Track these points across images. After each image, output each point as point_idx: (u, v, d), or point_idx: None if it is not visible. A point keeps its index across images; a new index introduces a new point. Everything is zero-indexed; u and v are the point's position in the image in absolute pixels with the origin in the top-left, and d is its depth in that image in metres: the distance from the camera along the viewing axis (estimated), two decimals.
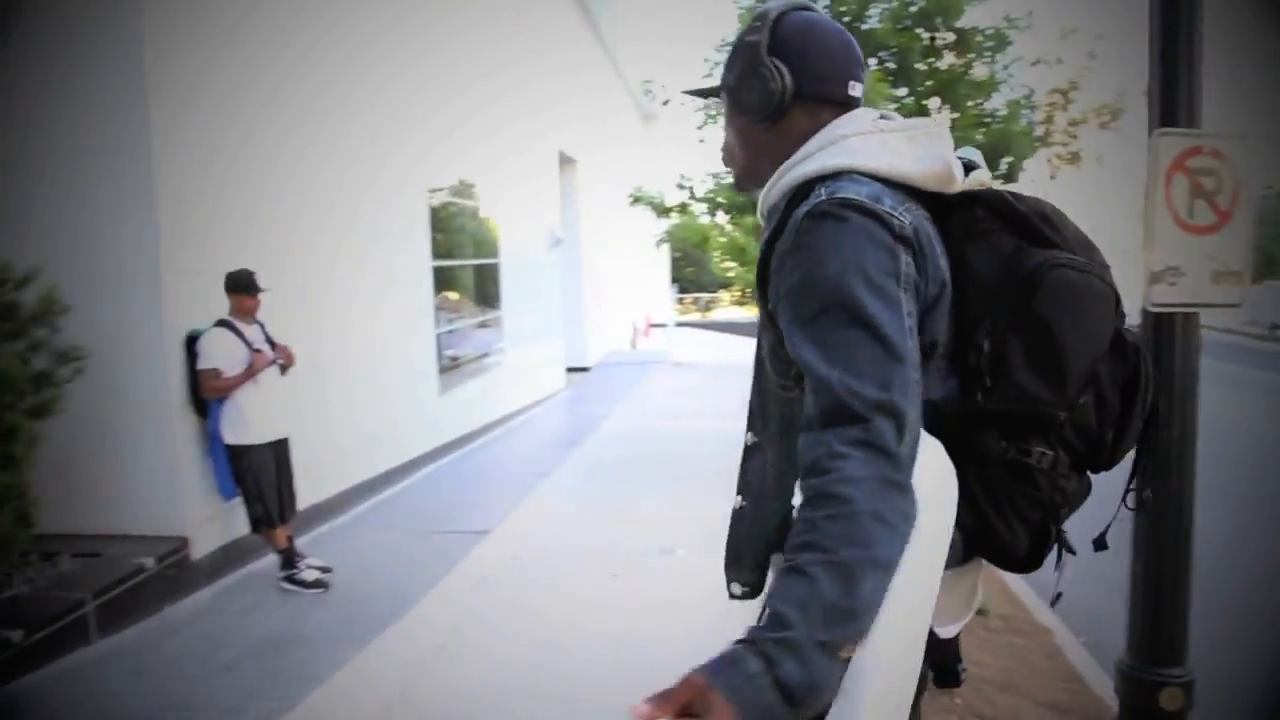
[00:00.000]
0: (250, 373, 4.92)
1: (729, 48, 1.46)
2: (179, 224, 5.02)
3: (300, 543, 5.71)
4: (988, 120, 9.24)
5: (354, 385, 6.98)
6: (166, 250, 4.93)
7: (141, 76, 4.77)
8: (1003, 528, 1.30)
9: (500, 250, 10.98)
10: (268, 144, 5.83)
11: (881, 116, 1.42)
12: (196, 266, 5.14)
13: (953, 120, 8.83)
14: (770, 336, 1.37)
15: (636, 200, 11.23)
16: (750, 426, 1.44)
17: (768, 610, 1.04)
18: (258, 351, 5.01)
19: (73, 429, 4.80)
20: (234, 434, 5.02)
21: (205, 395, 4.94)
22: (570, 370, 14.46)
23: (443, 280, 9.14)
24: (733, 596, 1.42)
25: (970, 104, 9.07)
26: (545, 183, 12.96)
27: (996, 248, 1.32)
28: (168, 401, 4.98)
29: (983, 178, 1.40)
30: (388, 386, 7.56)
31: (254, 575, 5.34)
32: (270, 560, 5.33)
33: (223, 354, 4.92)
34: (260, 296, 5.04)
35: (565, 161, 14.38)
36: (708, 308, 35.65)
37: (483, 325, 10.67)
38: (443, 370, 8.99)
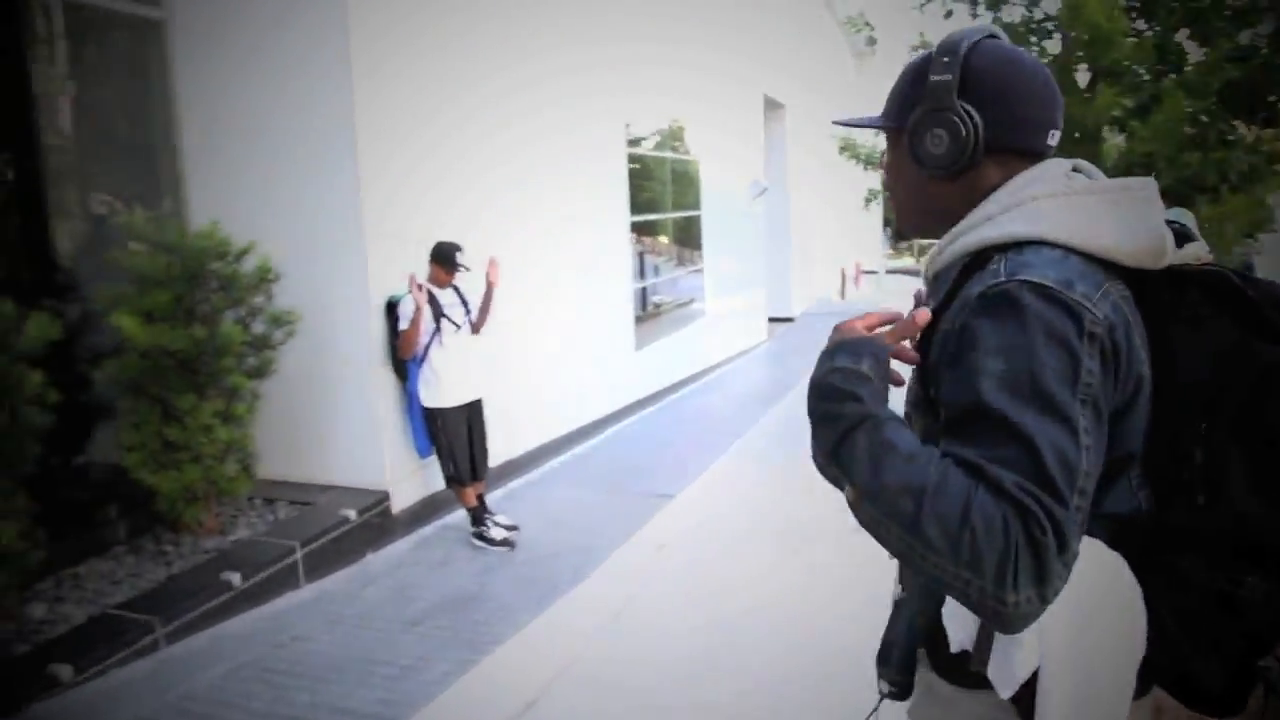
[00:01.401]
0: (414, 329, 5.00)
1: (906, 77, 1.30)
2: (380, 190, 5.23)
3: (494, 497, 5.98)
4: (1246, 56, 7.87)
5: (550, 343, 7.14)
6: (370, 215, 5.16)
7: (345, 47, 4.98)
8: (1197, 661, 1.13)
9: (702, 200, 10.89)
10: (467, 106, 5.98)
11: (1074, 169, 1.26)
12: (398, 230, 5.36)
13: (1203, 56, 7.69)
14: (923, 422, 1.24)
15: (844, 150, 10.77)
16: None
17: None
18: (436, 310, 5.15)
19: (287, 388, 5.18)
20: (429, 396, 5.22)
21: (402, 355, 5.16)
22: (773, 320, 14.30)
23: (643, 234, 9.19)
24: (880, 694, 1.29)
25: (1226, 39, 7.79)
26: (749, 129, 12.67)
27: (1213, 338, 1.14)
28: (371, 362, 5.25)
29: (1199, 251, 1.21)
30: (584, 344, 7.70)
31: (447, 528, 5.59)
32: (463, 514, 5.56)
33: (422, 315, 5.08)
34: (457, 275, 5.20)
35: (771, 106, 13.98)
36: (922, 253, 34.07)
37: (683, 275, 10.69)
38: (642, 320, 9.06)
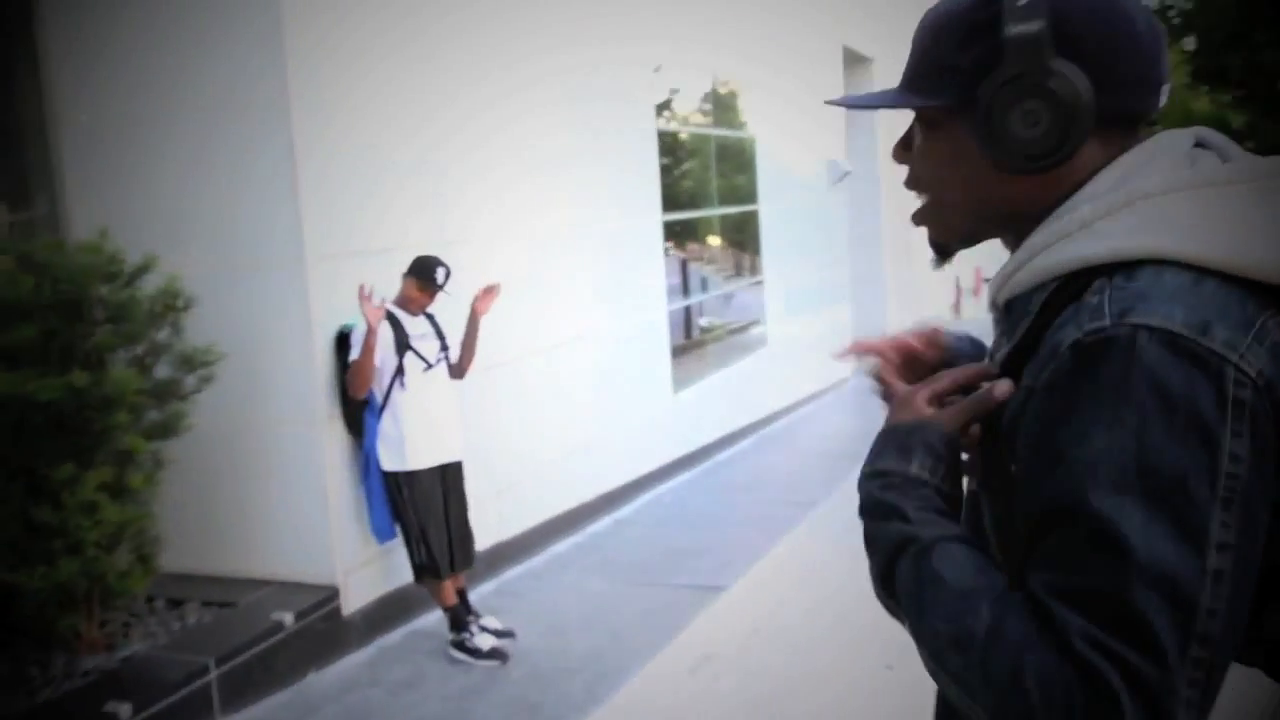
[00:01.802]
0: (368, 345, 5.05)
1: (946, 31, 1.22)
2: (326, 190, 5.30)
3: (480, 593, 5.97)
4: None
5: (557, 386, 7.17)
6: (313, 223, 5.23)
7: (277, 8, 5.07)
8: None
9: (761, 189, 10.94)
10: (442, 79, 6.06)
11: (1197, 144, 1.21)
12: (351, 243, 5.42)
13: None
14: (997, 508, 1.22)
15: None
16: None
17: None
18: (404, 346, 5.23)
19: (203, 451, 5.22)
20: (391, 457, 5.25)
21: (351, 394, 5.23)
22: None
23: (683, 237, 9.21)
24: None
25: None
26: (825, 92, 12.69)
27: None
28: (316, 415, 5.30)
29: None
30: (602, 386, 7.73)
31: (417, 636, 5.58)
32: (438, 618, 5.55)
33: (379, 347, 5.13)
34: (436, 295, 5.28)
35: (854, 61, 14.01)
36: None
37: (738, 289, 10.68)
38: (683, 351, 9.08)
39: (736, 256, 11.20)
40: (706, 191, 10.07)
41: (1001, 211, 1.25)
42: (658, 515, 7.76)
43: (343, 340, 5.30)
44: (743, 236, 10.93)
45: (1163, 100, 1.21)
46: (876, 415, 1.30)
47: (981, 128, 1.19)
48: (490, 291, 5.44)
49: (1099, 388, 1.03)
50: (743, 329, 10.73)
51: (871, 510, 1.18)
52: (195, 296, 4.87)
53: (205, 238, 5.29)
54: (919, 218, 1.32)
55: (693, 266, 10.23)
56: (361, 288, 4.99)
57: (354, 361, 5.10)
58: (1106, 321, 1.05)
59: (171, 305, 4.78)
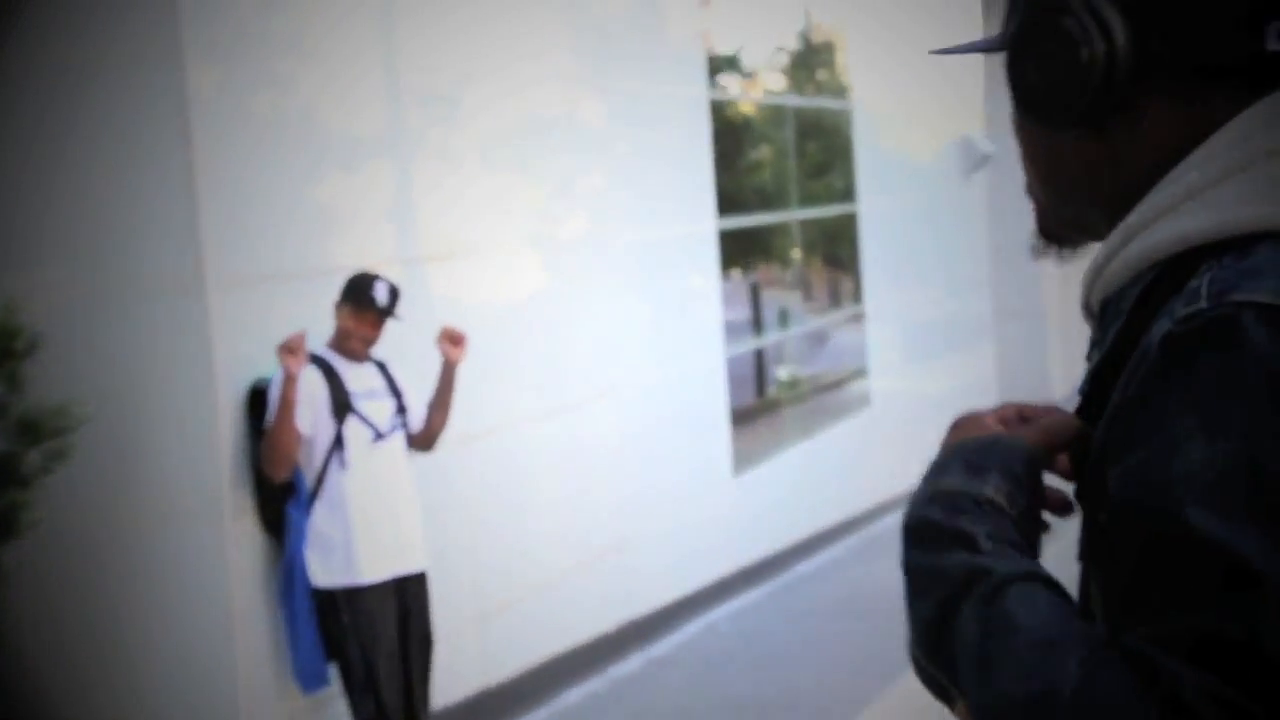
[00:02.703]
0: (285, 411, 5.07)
1: None
2: (233, 195, 5.33)
3: None
4: None
5: (564, 466, 7.17)
6: (214, 240, 5.24)
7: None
8: None
9: (860, 182, 10.94)
10: (399, 27, 6.11)
11: None
12: (268, 265, 5.47)
13: None
14: (1096, 552, 1.31)
15: None
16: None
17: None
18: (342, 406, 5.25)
19: (54, 557, 5.16)
20: (327, 567, 5.25)
21: (268, 473, 5.22)
22: None
23: (744, 249, 9.17)
24: None
25: None
26: (957, 38, 12.67)
27: None
28: (218, 509, 5.29)
29: None
30: (631, 465, 7.71)
31: None
32: None
33: (304, 406, 5.16)
34: (381, 326, 5.32)
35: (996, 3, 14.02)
36: None
37: (830, 325, 10.59)
38: (749, 415, 9.04)
39: (829, 279, 11.15)
40: (784, 187, 10.05)
41: (1078, 184, 1.38)
42: (710, 652, 7.72)
43: (258, 399, 5.32)
44: (837, 250, 10.88)
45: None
46: None
47: (1007, 80, 1.38)
48: (457, 343, 5.47)
49: (1195, 384, 1.12)
50: (837, 383, 10.72)
51: (925, 538, 1.23)
52: (42, 334, 4.85)
53: (60, 253, 5.29)
54: (1029, 188, 1.48)
55: (767, 294, 10.22)
56: (287, 344, 5.01)
57: (268, 428, 5.11)
58: (1203, 304, 1.14)
59: (6, 348, 4.77)
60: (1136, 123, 1.32)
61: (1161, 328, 1.18)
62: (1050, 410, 1.36)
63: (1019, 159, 1.47)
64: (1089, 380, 1.33)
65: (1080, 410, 1.33)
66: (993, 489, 1.22)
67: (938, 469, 1.29)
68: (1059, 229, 1.46)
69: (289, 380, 5.02)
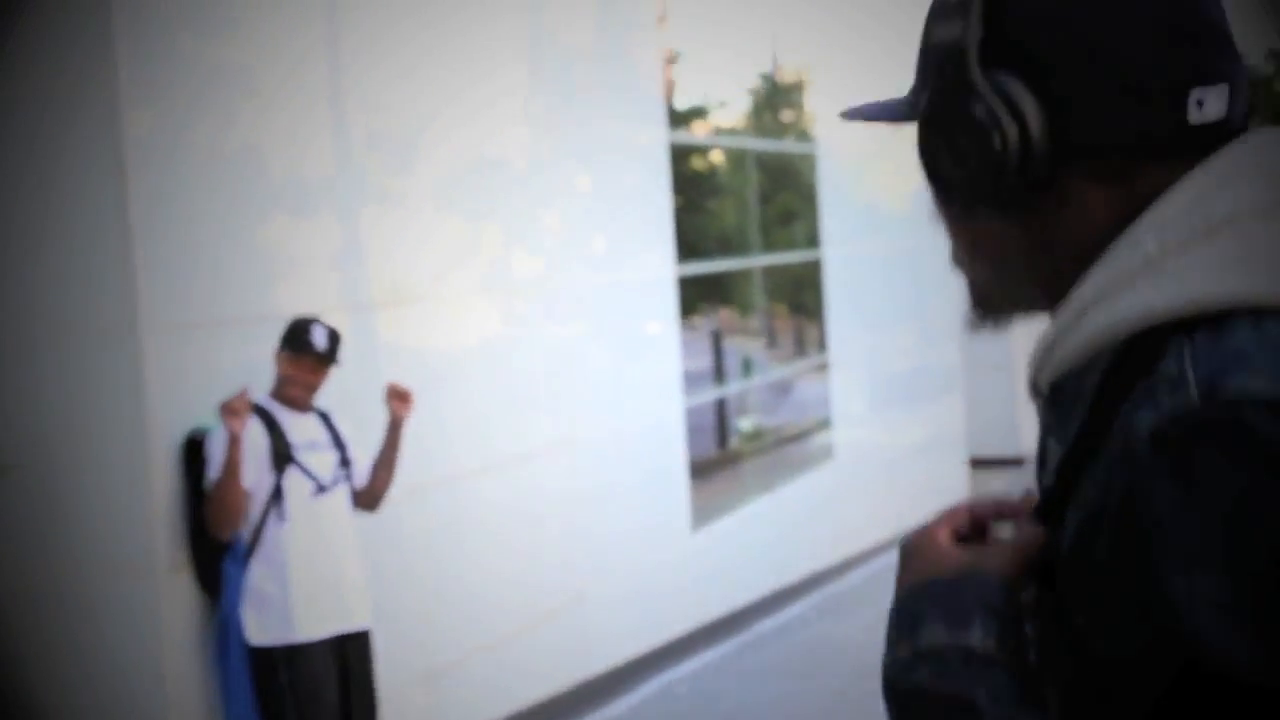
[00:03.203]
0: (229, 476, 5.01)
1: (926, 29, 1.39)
2: (172, 231, 5.27)
3: None
4: None
5: (515, 519, 7.14)
6: (149, 282, 5.19)
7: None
8: None
9: (825, 227, 10.99)
10: (349, 64, 6.09)
11: None
12: (209, 310, 5.43)
13: None
14: (1059, 679, 1.26)
15: None
16: None
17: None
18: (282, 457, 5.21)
19: None
20: (264, 624, 5.19)
21: (213, 534, 5.16)
22: (980, 465, 14.43)
23: (705, 295, 9.16)
24: None
25: None
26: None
27: None
28: (151, 564, 5.24)
29: None
30: (585, 519, 7.68)
31: None
32: None
33: (245, 457, 5.09)
34: (323, 373, 5.29)
35: None
36: None
37: (793, 375, 10.64)
38: (709, 468, 9.06)
39: (793, 326, 11.17)
40: (746, 232, 10.07)
41: (1014, 264, 1.35)
42: (668, 714, 7.68)
43: (193, 450, 5.27)
44: (802, 297, 10.91)
45: (1210, 108, 1.26)
46: None
47: (920, 162, 1.36)
48: (404, 400, 5.45)
49: (1206, 500, 1.06)
50: (799, 435, 10.73)
51: (918, 710, 1.19)
52: None
53: None
54: (953, 258, 1.46)
55: (729, 342, 10.25)
56: (237, 400, 4.96)
57: (213, 486, 5.06)
58: (1194, 398, 1.10)
59: None
60: (1064, 203, 1.30)
61: (1144, 420, 1.13)
62: (1006, 506, 1.33)
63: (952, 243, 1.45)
64: (1055, 474, 1.27)
65: (1044, 506, 1.28)
66: (980, 637, 1.17)
67: (910, 619, 1.22)
68: (992, 304, 1.42)
69: (233, 442, 4.96)
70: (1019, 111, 1.26)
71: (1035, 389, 1.38)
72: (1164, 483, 1.10)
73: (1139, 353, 1.20)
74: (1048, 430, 1.34)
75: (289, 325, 5.28)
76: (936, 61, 1.33)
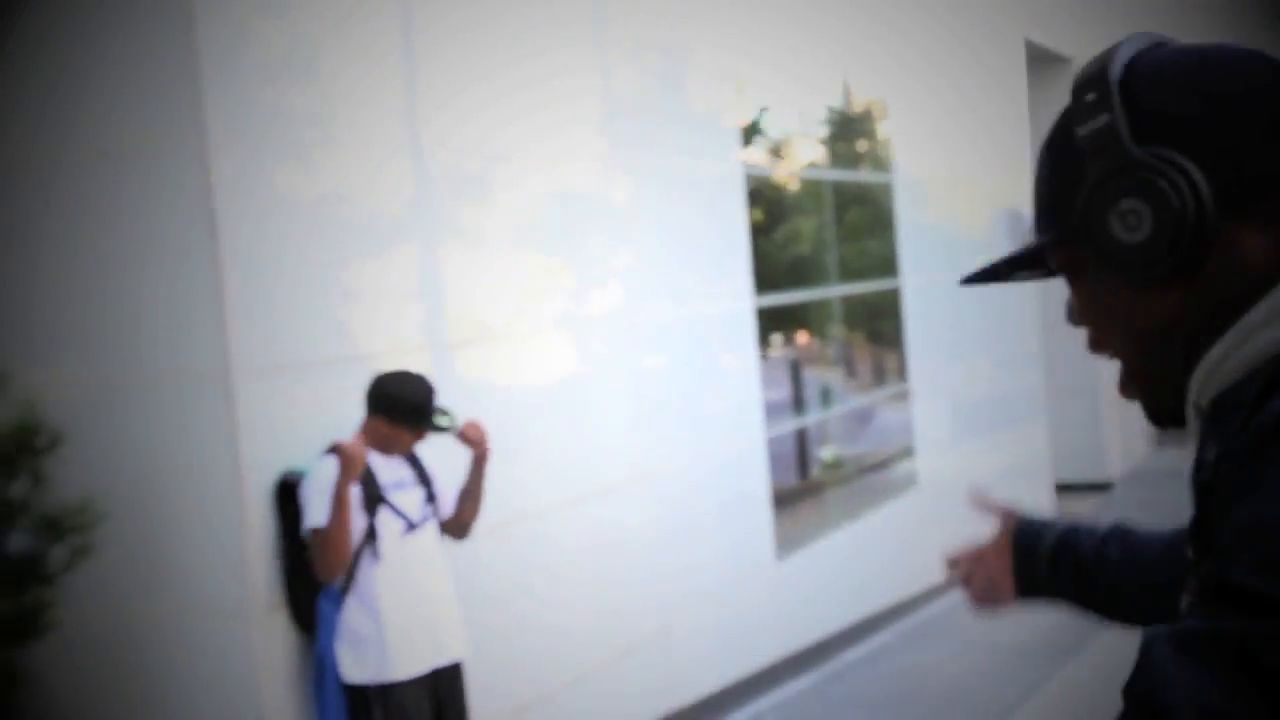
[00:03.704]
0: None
1: (1048, 159, 1.51)
2: (262, 279, 5.35)
3: None
4: None
5: (597, 553, 7.16)
6: (240, 327, 5.26)
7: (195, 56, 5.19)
8: None
9: (903, 255, 10.98)
10: (424, 107, 6.17)
11: None
12: (298, 354, 5.50)
13: None
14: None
15: None
16: None
17: None
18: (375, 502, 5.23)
19: (77, 658, 5.22)
20: (360, 662, 5.22)
21: (321, 577, 5.19)
22: (1066, 490, 14.23)
23: (786, 326, 9.14)
24: None
25: None
26: (1002, 106, 12.72)
27: None
28: (249, 605, 5.28)
29: None
30: (667, 551, 7.69)
31: None
32: None
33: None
34: (425, 437, 5.33)
35: (1042, 62, 14.06)
36: None
37: (874, 403, 10.58)
38: (791, 498, 9.03)
39: (873, 355, 11.11)
40: (823, 261, 10.04)
41: (1172, 329, 1.42)
42: None
43: (286, 492, 5.31)
44: (880, 326, 10.85)
45: None
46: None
47: (1093, 249, 1.42)
48: (478, 440, 5.43)
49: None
50: (883, 463, 10.64)
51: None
52: (64, 430, 4.89)
53: (83, 346, 5.38)
54: (1121, 387, 1.53)
55: (808, 372, 10.20)
56: (351, 444, 5.00)
57: (318, 531, 5.08)
58: None
59: (27, 444, 4.82)
60: (1226, 254, 1.36)
61: (1274, 408, 1.21)
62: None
63: (1113, 349, 1.52)
64: (1211, 470, 1.30)
65: (1198, 502, 1.32)
66: None
67: None
68: (1166, 403, 1.49)
69: (347, 475, 4.98)
70: (1184, 170, 1.34)
71: (1195, 406, 1.44)
72: (1262, 459, 1.18)
73: None
74: (1205, 443, 1.38)
75: (386, 384, 5.28)
76: (1092, 152, 1.40)
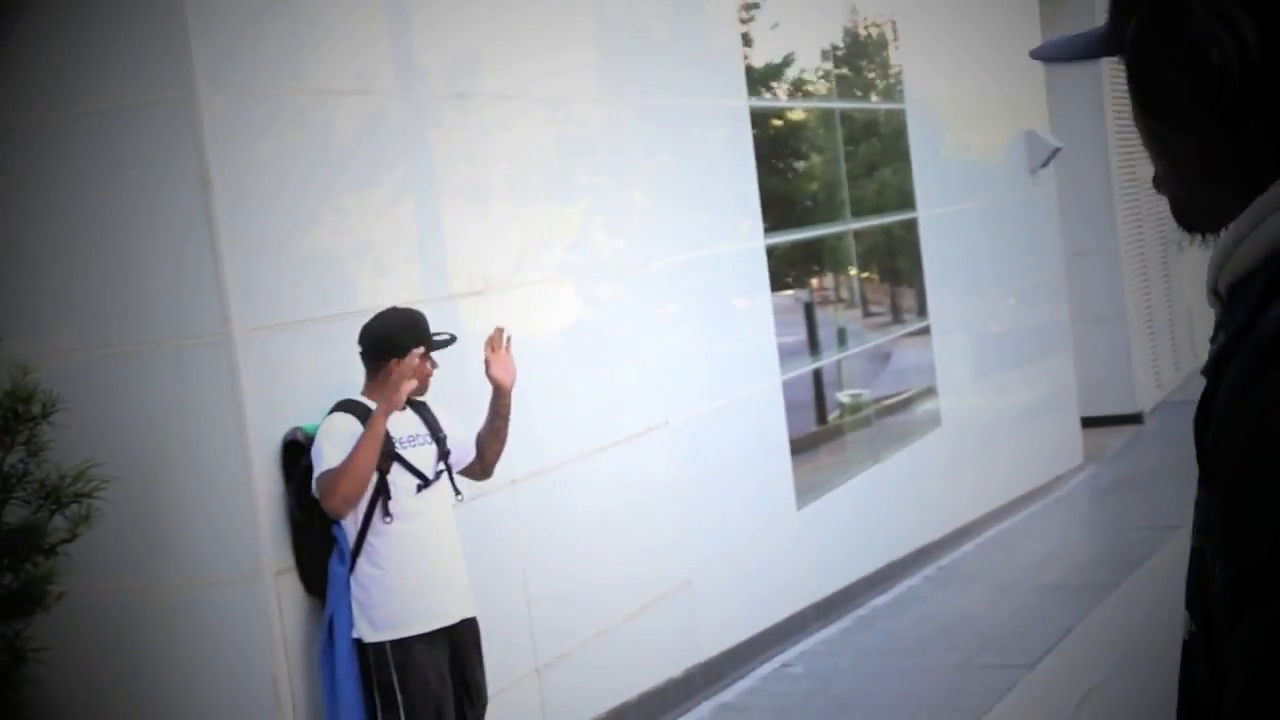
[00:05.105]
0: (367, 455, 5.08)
1: None
2: (259, 232, 5.37)
3: None
4: None
5: (615, 504, 7.18)
6: (239, 284, 5.28)
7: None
8: None
9: (919, 188, 10.93)
10: (420, 44, 6.18)
11: None
12: (300, 310, 5.52)
13: None
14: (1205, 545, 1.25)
15: None
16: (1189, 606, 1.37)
17: None
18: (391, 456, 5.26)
19: (82, 631, 5.22)
20: (374, 620, 5.26)
21: (333, 511, 5.19)
22: (1094, 423, 14.18)
23: (798, 266, 9.11)
24: None
25: None
26: (1015, 33, 12.63)
27: None
28: (258, 568, 5.31)
29: None
30: (685, 501, 7.69)
31: None
32: None
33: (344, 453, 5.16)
34: (430, 367, 5.34)
35: None
36: None
37: (891, 341, 10.58)
38: (810, 443, 9.06)
39: (889, 292, 11.09)
40: (835, 197, 10.01)
41: (1223, 176, 1.36)
42: (785, 696, 7.63)
43: (293, 452, 5.34)
44: (897, 261, 10.84)
45: None
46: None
47: (1130, 84, 1.40)
48: (499, 349, 5.46)
49: None
50: (904, 404, 10.65)
51: None
52: (60, 395, 4.88)
53: (79, 312, 5.39)
54: (1155, 182, 1.48)
55: (822, 312, 10.20)
56: (408, 362, 5.07)
57: (347, 462, 5.08)
58: None
59: (22, 413, 4.81)
60: (1276, 112, 1.31)
61: (1275, 313, 1.18)
62: None
63: (1145, 151, 1.49)
64: (1213, 363, 1.29)
65: (1205, 394, 1.29)
66: None
67: None
68: (1195, 219, 1.46)
69: (390, 404, 5.06)
70: (1236, 26, 1.28)
71: (1214, 292, 1.40)
72: (1269, 375, 1.14)
73: None
74: (1219, 327, 1.36)
75: (376, 325, 5.33)
76: None
